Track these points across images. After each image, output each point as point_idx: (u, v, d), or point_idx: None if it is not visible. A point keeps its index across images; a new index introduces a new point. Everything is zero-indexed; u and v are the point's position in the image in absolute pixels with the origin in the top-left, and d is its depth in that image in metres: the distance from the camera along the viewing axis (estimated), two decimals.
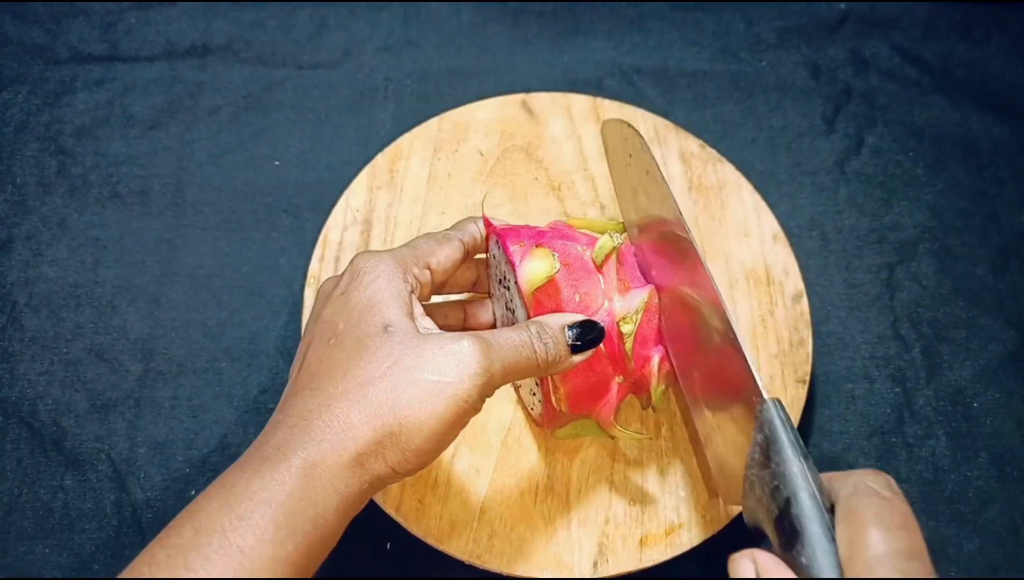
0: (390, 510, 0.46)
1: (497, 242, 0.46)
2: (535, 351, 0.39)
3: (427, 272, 0.42)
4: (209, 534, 0.32)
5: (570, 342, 0.40)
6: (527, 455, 0.49)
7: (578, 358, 0.41)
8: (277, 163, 0.61)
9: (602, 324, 0.42)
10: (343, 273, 0.41)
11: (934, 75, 0.66)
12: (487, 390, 0.37)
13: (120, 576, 0.33)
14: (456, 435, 0.37)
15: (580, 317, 0.42)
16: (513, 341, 0.38)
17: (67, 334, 0.55)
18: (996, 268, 0.59)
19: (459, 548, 0.46)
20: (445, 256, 0.43)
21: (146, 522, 0.50)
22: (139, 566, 0.33)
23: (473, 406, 0.37)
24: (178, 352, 0.54)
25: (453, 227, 0.46)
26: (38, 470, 0.51)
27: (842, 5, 0.68)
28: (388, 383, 0.35)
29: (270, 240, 0.58)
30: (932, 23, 0.68)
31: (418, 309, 0.40)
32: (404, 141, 0.58)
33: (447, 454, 0.48)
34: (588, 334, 0.41)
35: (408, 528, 0.46)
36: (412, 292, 0.40)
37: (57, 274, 0.56)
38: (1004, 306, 0.58)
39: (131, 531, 0.50)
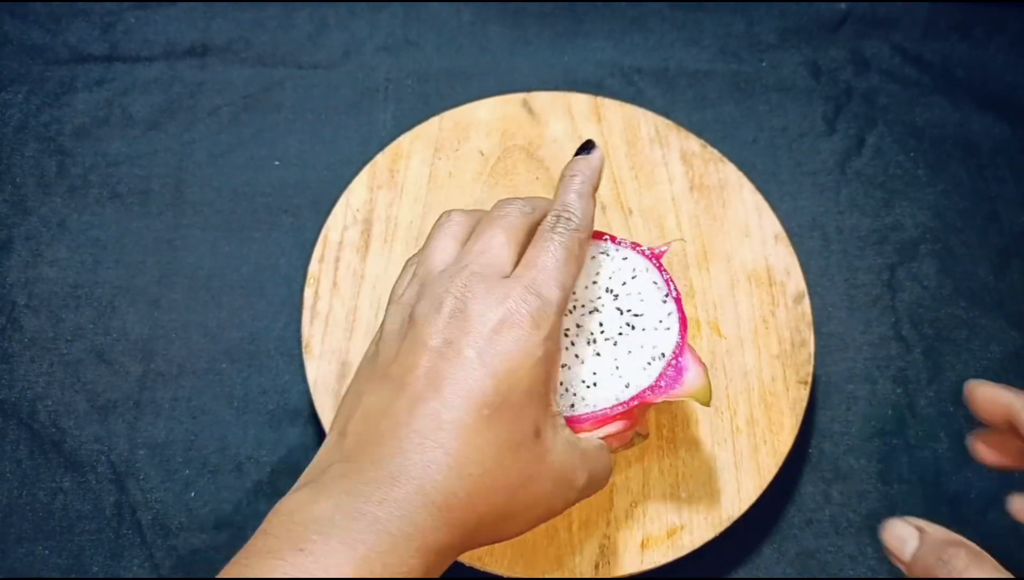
0: None
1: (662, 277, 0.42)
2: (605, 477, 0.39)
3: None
4: (332, 544, 0.29)
5: None
6: None
7: None
8: (277, 163, 0.61)
9: None
10: (497, 291, 0.34)
11: (934, 75, 0.66)
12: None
13: None
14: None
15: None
16: (605, 463, 0.38)
17: (67, 335, 0.54)
18: (997, 268, 0.59)
19: None
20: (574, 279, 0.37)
21: (146, 524, 0.50)
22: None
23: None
24: (178, 353, 0.54)
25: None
26: (37, 471, 0.51)
27: (842, 5, 0.68)
28: (522, 496, 0.34)
29: (270, 240, 0.58)
30: (932, 23, 0.68)
31: (555, 385, 0.36)
32: (404, 141, 0.58)
33: None
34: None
35: None
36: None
37: (57, 274, 0.56)
38: (1005, 306, 0.58)
39: (131, 533, 0.49)
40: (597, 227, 0.54)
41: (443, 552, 0.31)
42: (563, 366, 0.38)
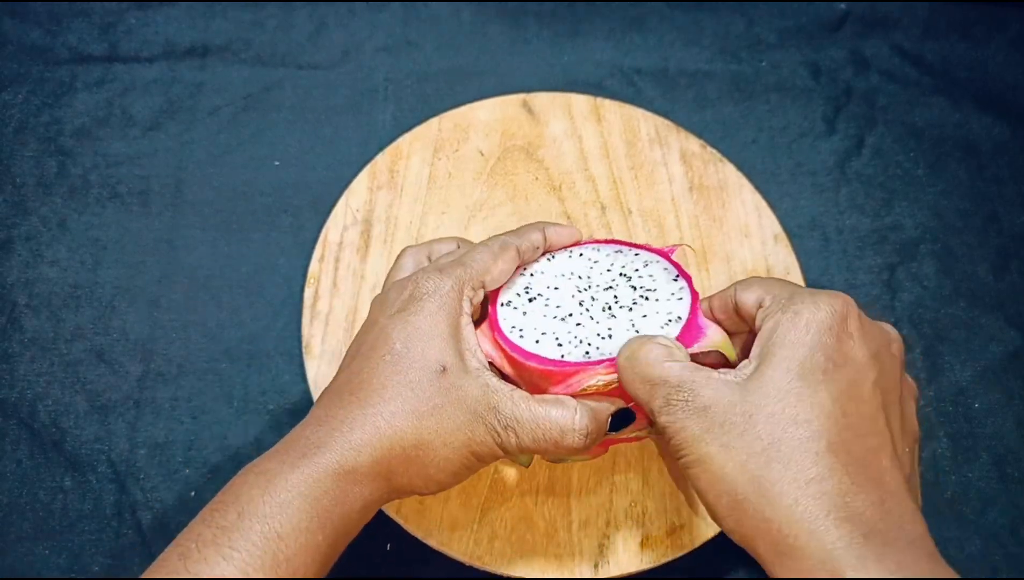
0: (390, 511, 0.46)
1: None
2: (568, 439, 0.38)
3: (481, 292, 0.41)
4: (251, 518, 0.35)
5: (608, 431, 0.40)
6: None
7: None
8: (277, 163, 0.61)
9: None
10: (405, 283, 0.41)
11: (934, 75, 0.66)
12: (508, 451, 0.39)
13: (165, 552, 0.35)
14: (473, 473, 0.40)
15: (622, 404, 0.40)
16: (552, 419, 0.38)
17: (67, 335, 0.54)
18: (996, 268, 0.59)
19: (460, 549, 0.46)
20: (500, 272, 0.42)
21: (146, 523, 0.50)
22: (185, 542, 0.35)
23: (487, 462, 0.39)
24: (178, 353, 0.54)
25: (515, 232, 0.44)
26: (38, 471, 0.51)
27: (842, 5, 0.68)
28: (431, 423, 0.38)
29: (270, 240, 0.58)
30: (932, 23, 0.68)
31: (471, 341, 0.40)
32: (404, 141, 0.58)
33: None
34: (621, 423, 0.40)
35: (408, 529, 0.46)
36: (471, 320, 0.40)
37: (57, 274, 0.56)
38: (1005, 306, 0.58)
39: (131, 532, 0.50)
40: (599, 229, 0.54)
41: (358, 473, 0.37)
42: (577, 325, 0.41)
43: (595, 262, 0.44)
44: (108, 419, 0.52)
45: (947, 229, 0.60)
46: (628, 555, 0.46)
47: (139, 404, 0.53)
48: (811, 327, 0.35)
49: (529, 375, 0.40)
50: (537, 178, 0.57)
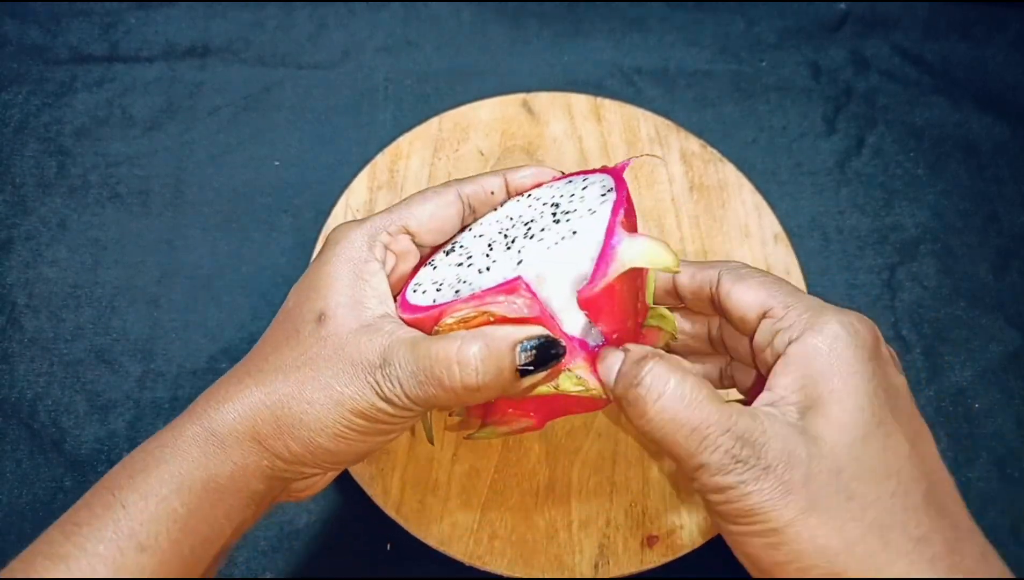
0: (391, 511, 0.46)
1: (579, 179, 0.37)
2: (456, 374, 0.32)
3: (405, 237, 0.38)
4: (102, 492, 0.33)
5: (519, 364, 0.33)
6: (527, 456, 0.48)
7: (527, 382, 0.33)
8: (277, 163, 0.61)
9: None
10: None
11: (934, 75, 0.66)
12: (395, 404, 0.33)
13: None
14: (372, 443, 0.35)
15: (540, 331, 0.33)
16: (434, 352, 0.32)
17: (67, 335, 0.54)
18: (997, 268, 0.59)
19: (460, 550, 0.46)
20: (429, 214, 0.37)
21: None
22: (52, 530, 0.33)
23: (375, 422, 0.34)
24: (178, 353, 0.54)
25: (467, 178, 0.40)
26: (37, 471, 0.51)
27: (842, 5, 0.68)
28: (300, 375, 0.34)
29: (270, 240, 0.58)
30: (932, 23, 0.68)
31: (375, 290, 0.36)
32: (404, 141, 0.58)
33: (447, 455, 0.48)
34: (546, 354, 0.33)
35: (409, 529, 0.46)
36: (380, 266, 0.36)
37: (57, 274, 0.56)
38: (1005, 306, 0.58)
39: None
40: None
41: (219, 434, 0.34)
42: (469, 267, 0.37)
43: (537, 199, 0.39)
44: (108, 419, 0.52)
45: (947, 229, 0.60)
46: (628, 555, 0.46)
47: (139, 404, 0.53)
48: (860, 356, 0.31)
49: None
50: None
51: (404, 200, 0.39)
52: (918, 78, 0.66)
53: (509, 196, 0.40)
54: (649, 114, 0.59)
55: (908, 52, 0.67)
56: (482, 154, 0.58)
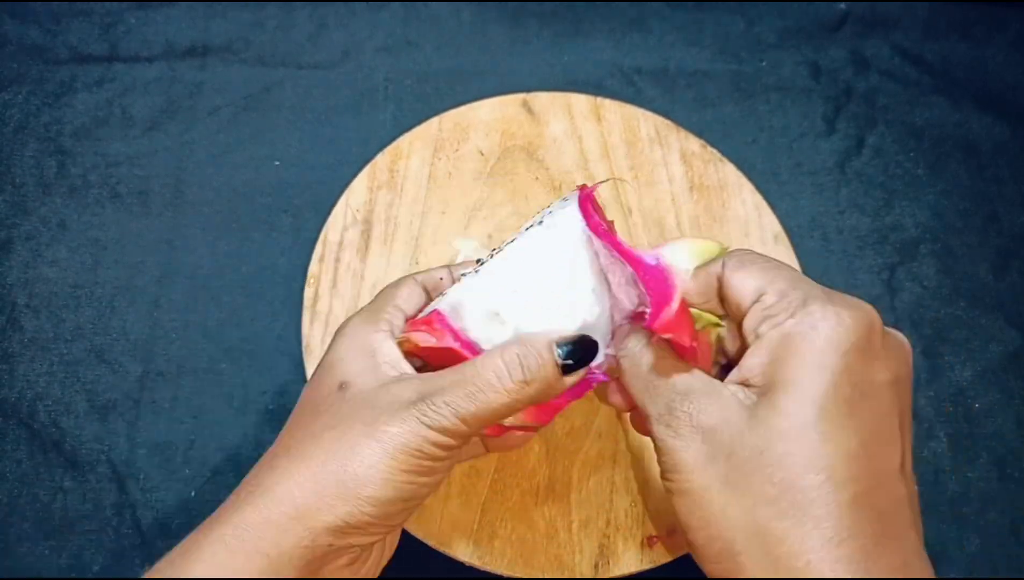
0: None
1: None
2: (505, 381, 0.33)
3: (399, 312, 0.39)
4: None
5: (560, 361, 0.34)
6: (527, 456, 0.48)
7: (571, 380, 0.35)
8: (277, 163, 0.61)
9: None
10: None
11: (934, 75, 0.66)
12: (442, 438, 0.33)
13: None
14: (419, 484, 0.34)
15: (566, 335, 0.35)
16: (476, 367, 0.34)
17: (67, 335, 0.54)
18: (997, 268, 0.59)
19: (459, 550, 0.46)
20: (407, 294, 0.39)
21: (146, 524, 0.50)
22: None
23: (420, 458, 0.33)
24: (178, 353, 0.54)
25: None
26: (37, 471, 0.51)
27: (842, 5, 0.68)
28: (334, 434, 0.33)
29: (270, 240, 0.58)
30: (932, 23, 0.68)
31: (387, 357, 0.36)
32: (404, 141, 0.58)
33: None
34: (585, 353, 0.35)
35: (408, 529, 0.46)
36: (389, 334, 0.37)
37: (57, 274, 0.56)
38: (1005, 306, 0.58)
39: (131, 532, 0.50)
40: None
41: (256, 523, 0.32)
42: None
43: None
44: (108, 419, 0.52)
45: (947, 229, 0.60)
46: (628, 555, 0.46)
47: (139, 404, 0.53)
48: (835, 346, 0.30)
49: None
50: (537, 178, 0.57)
51: (381, 292, 0.40)
52: (918, 78, 0.66)
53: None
54: (649, 114, 0.59)
55: (908, 52, 0.67)
56: (482, 154, 0.58)
